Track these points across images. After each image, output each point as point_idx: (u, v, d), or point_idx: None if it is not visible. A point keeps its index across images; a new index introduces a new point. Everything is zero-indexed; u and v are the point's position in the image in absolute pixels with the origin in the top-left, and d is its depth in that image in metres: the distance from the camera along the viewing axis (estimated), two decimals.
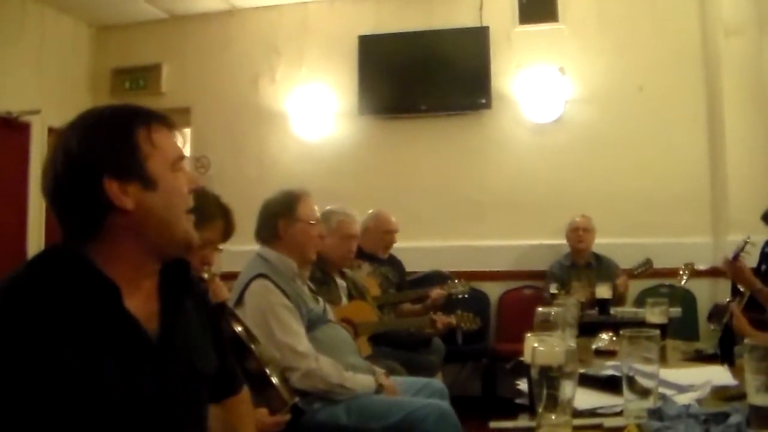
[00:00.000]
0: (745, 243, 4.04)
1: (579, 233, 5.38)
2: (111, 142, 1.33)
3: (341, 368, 2.88)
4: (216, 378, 1.53)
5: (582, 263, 5.39)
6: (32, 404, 1.17)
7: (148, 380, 1.31)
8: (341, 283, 3.96)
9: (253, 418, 1.85)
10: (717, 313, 3.51)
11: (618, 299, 4.81)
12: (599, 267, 5.33)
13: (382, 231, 4.86)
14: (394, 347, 4.19)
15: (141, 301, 1.36)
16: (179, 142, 1.46)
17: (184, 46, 6.68)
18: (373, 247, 4.81)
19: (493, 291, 5.87)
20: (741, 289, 3.86)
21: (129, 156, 1.33)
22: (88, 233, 1.33)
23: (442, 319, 4.31)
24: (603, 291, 4.45)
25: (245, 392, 1.72)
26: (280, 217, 3.09)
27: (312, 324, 2.96)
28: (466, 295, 4.68)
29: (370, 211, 4.89)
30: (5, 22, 5.81)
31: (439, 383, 3.33)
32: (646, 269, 4.89)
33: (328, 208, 4.04)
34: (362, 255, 4.69)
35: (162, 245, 1.39)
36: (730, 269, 3.99)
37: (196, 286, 1.58)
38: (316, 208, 3.17)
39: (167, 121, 1.43)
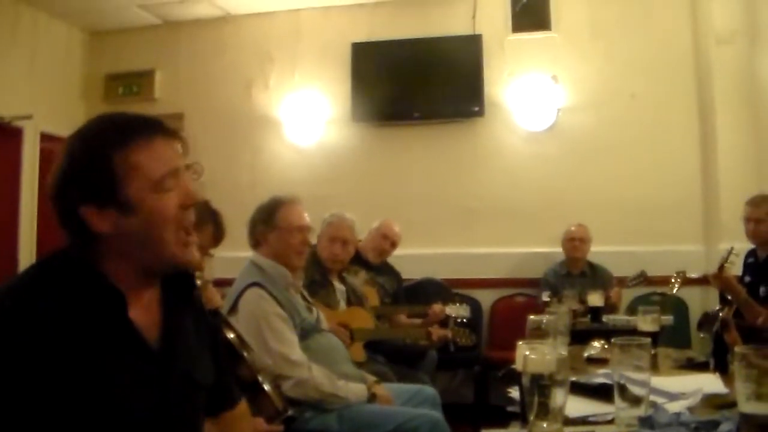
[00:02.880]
0: (729, 253, 4.07)
1: (575, 243, 5.40)
2: (84, 171, 1.30)
3: (334, 377, 2.88)
4: (212, 391, 1.53)
5: (576, 272, 5.41)
6: (35, 408, 1.17)
7: (148, 389, 1.31)
8: (340, 287, 3.97)
9: (250, 430, 1.83)
10: (707, 321, 3.53)
11: (610, 309, 4.81)
12: (593, 276, 5.35)
13: (380, 234, 4.88)
14: (388, 359, 4.19)
15: (142, 311, 1.37)
16: (177, 151, 1.39)
17: (177, 52, 6.67)
18: (368, 250, 4.82)
19: (486, 298, 5.87)
20: (729, 298, 3.89)
21: (103, 182, 1.29)
22: (87, 245, 1.33)
23: (437, 332, 4.32)
24: (595, 299, 4.46)
25: (242, 406, 1.70)
26: (259, 223, 3.11)
27: (305, 333, 2.96)
28: (465, 320, 4.67)
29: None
30: None
31: (431, 390, 3.32)
32: (640, 281, 4.90)
33: (329, 213, 4.07)
34: (359, 261, 4.70)
35: (148, 266, 1.36)
36: (715, 280, 4.02)
37: (198, 299, 1.58)
38: (304, 215, 3.14)
39: (161, 130, 1.38)
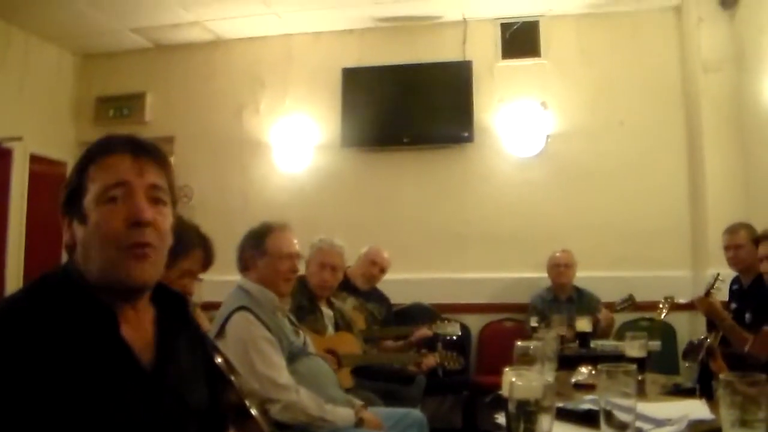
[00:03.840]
0: (716, 279, 4.10)
1: (560, 269, 5.40)
2: (69, 181, 1.37)
3: (321, 401, 2.87)
4: (205, 419, 1.52)
5: (563, 297, 5.41)
6: (24, 426, 1.17)
7: (139, 408, 1.30)
8: (327, 312, 3.96)
9: None
10: (692, 350, 3.54)
11: (601, 333, 4.82)
12: (580, 301, 5.36)
13: (369, 260, 4.89)
14: (376, 380, 4.17)
15: (136, 331, 1.37)
16: (131, 167, 1.36)
17: (168, 75, 6.70)
18: (356, 276, 4.82)
19: (474, 323, 5.87)
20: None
21: (75, 194, 1.35)
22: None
23: (427, 362, 4.30)
24: (583, 324, 4.45)
25: None
26: (248, 248, 3.11)
27: (293, 356, 2.95)
28: (454, 337, 4.67)
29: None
30: None
31: (418, 414, 3.31)
32: (628, 305, 4.91)
33: (318, 237, 4.07)
34: (348, 287, 4.70)
35: (101, 280, 1.33)
36: (701, 305, 4.04)
37: (193, 322, 1.59)
38: (294, 242, 3.15)
39: (119, 147, 1.37)
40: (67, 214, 1.36)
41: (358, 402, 3.10)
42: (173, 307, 1.47)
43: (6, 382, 1.17)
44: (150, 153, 1.40)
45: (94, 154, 1.37)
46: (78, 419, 1.20)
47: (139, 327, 1.39)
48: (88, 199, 1.33)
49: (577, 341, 4.43)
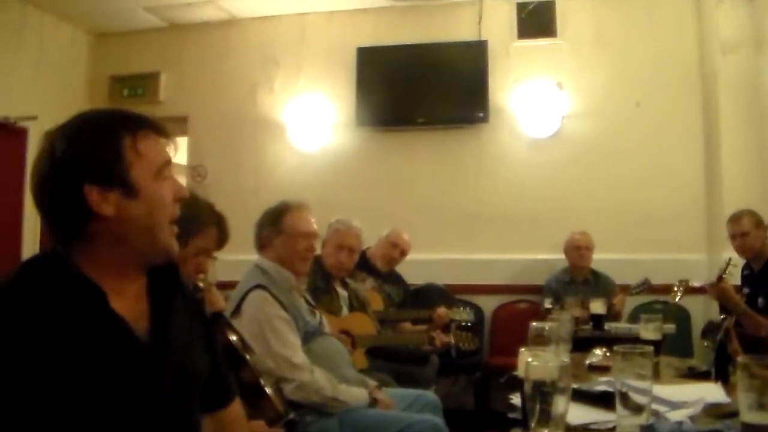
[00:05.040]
0: (728, 264, 4.07)
1: (581, 251, 5.37)
2: (94, 148, 1.33)
3: (335, 381, 2.88)
4: (207, 385, 1.53)
5: (580, 279, 5.40)
6: (24, 408, 1.18)
7: (139, 380, 1.31)
8: (342, 293, 3.96)
9: (247, 430, 1.83)
10: (711, 329, 3.52)
11: (614, 316, 4.81)
12: (596, 283, 5.34)
13: (389, 242, 4.89)
14: (390, 361, 4.18)
15: (130, 303, 1.37)
16: (170, 150, 1.44)
17: (182, 54, 6.69)
18: (376, 257, 4.83)
19: (488, 305, 5.87)
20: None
21: (111, 163, 1.33)
22: (73, 237, 1.34)
23: (440, 338, 4.31)
24: (597, 306, 4.45)
25: (238, 407, 1.70)
26: (265, 227, 3.11)
27: (308, 336, 2.96)
28: (469, 323, 4.67)
29: None
30: (4, 28, 5.82)
31: (432, 395, 3.32)
32: (644, 289, 4.89)
33: (335, 218, 4.06)
34: (367, 268, 4.70)
35: (143, 253, 1.39)
36: (714, 290, 4.02)
37: (186, 288, 1.58)
38: (311, 222, 3.14)
39: (157, 127, 1.42)
40: (99, 183, 1.31)
41: (372, 382, 3.11)
42: (164, 273, 1.46)
43: (4, 366, 1.17)
44: (170, 134, 1.46)
45: (130, 127, 1.37)
46: (79, 396, 1.21)
47: (133, 300, 1.39)
48: (140, 174, 1.35)
49: (591, 323, 4.43)
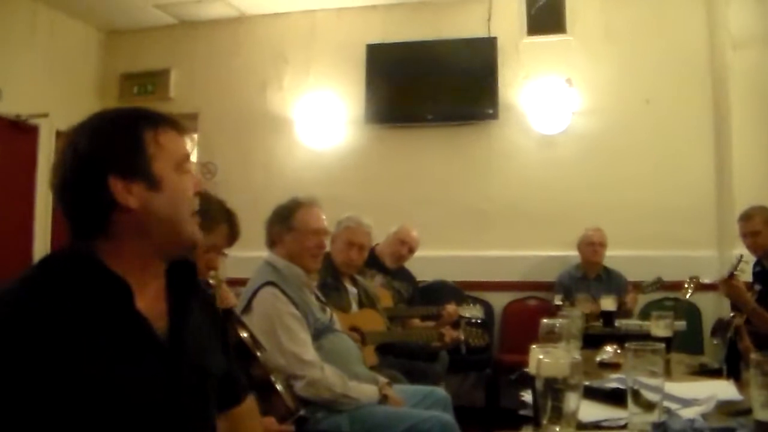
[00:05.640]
0: (739, 261, 4.05)
1: (595, 247, 5.36)
2: (118, 141, 1.35)
3: (346, 378, 2.88)
4: (221, 384, 1.53)
5: (592, 275, 5.39)
6: (43, 403, 1.18)
7: (158, 380, 1.32)
8: (352, 289, 3.95)
9: (260, 429, 1.83)
10: (720, 328, 3.51)
11: (625, 313, 4.79)
12: (608, 280, 5.33)
13: (398, 239, 4.88)
14: (400, 357, 4.18)
15: (150, 301, 1.37)
16: (188, 145, 1.46)
17: (192, 51, 6.70)
18: (384, 254, 4.83)
19: (498, 301, 5.86)
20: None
21: (135, 155, 1.34)
22: (95, 232, 1.34)
23: (450, 334, 4.30)
24: (608, 303, 4.44)
25: (251, 403, 1.71)
26: (276, 223, 3.12)
27: (318, 333, 2.96)
28: (479, 320, 4.67)
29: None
30: (16, 25, 5.85)
31: (442, 392, 3.32)
32: (657, 287, 4.88)
33: (345, 214, 4.06)
34: (376, 265, 4.70)
35: (166, 245, 1.40)
36: (725, 287, 4.00)
37: (202, 288, 1.59)
38: (322, 218, 3.15)
39: (175, 123, 1.44)
40: (123, 175, 1.33)
41: (382, 379, 3.11)
42: (182, 273, 1.47)
43: (23, 359, 1.18)
44: (187, 131, 1.49)
45: (151, 121, 1.39)
46: (96, 392, 1.21)
47: (153, 298, 1.40)
48: (162, 166, 1.37)
49: (601, 320, 4.42)
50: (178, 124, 1.45)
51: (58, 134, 6.06)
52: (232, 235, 2.48)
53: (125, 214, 1.33)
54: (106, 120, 1.40)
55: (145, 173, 1.35)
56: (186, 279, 1.47)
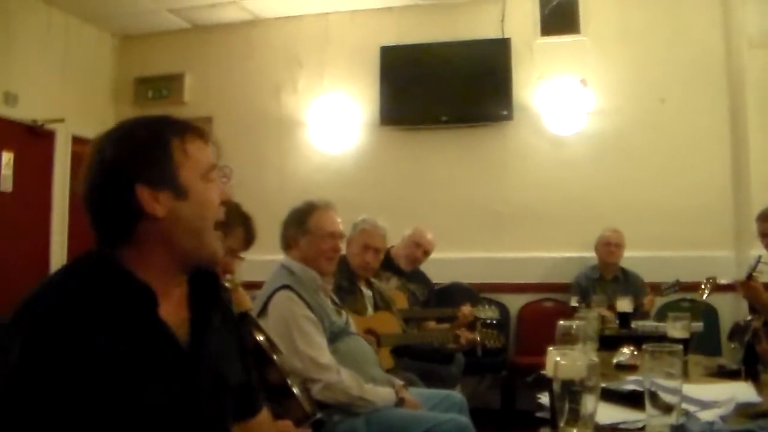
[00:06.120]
0: (758, 262, 4.01)
1: (611, 248, 5.34)
2: (145, 150, 1.35)
3: (362, 381, 2.88)
4: (239, 394, 1.54)
5: (609, 277, 5.36)
6: (64, 406, 1.19)
7: (177, 386, 1.32)
8: (367, 292, 3.95)
9: None
10: (738, 331, 3.48)
11: (641, 315, 4.76)
12: (626, 281, 5.30)
13: (413, 242, 4.88)
14: (416, 360, 4.18)
15: (172, 309, 1.38)
16: (212, 153, 1.46)
17: (206, 55, 6.73)
18: (399, 256, 4.82)
19: (513, 303, 5.85)
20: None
21: (162, 164, 1.35)
22: (121, 239, 1.35)
23: (466, 335, 4.29)
24: (624, 304, 4.41)
25: (265, 414, 1.71)
26: (291, 226, 3.12)
27: (334, 336, 2.96)
28: (494, 321, 4.65)
29: None
30: (31, 31, 5.89)
31: (458, 396, 3.31)
32: (675, 290, 4.85)
33: (361, 217, 4.06)
34: (391, 267, 4.69)
35: (189, 254, 1.40)
36: (743, 289, 3.97)
37: (224, 298, 1.60)
38: (337, 222, 3.15)
39: (201, 132, 1.44)
40: (150, 184, 1.33)
41: (399, 382, 3.10)
42: (205, 283, 1.48)
43: (46, 363, 1.18)
44: (212, 139, 1.49)
45: (178, 130, 1.40)
46: (116, 398, 1.22)
47: (176, 305, 1.40)
48: (188, 175, 1.37)
49: (617, 321, 4.39)
50: (204, 133, 1.45)
51: (74, 139, 6.10)
52: (249, 238, 2.49)
53: (151, 222, 1.34)
54: (133, 128, 1.39)
55: (172, 182, 1.35)
56: (208, 288, 1.48)
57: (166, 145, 1.36)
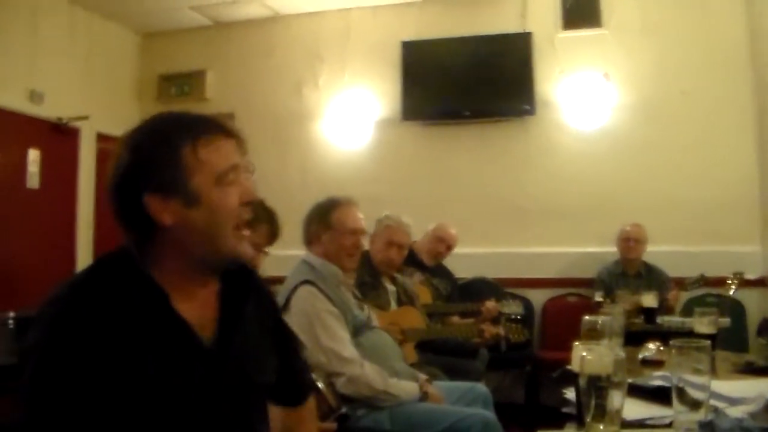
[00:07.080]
0: None
1: (629, 243, 5.29)
2: (154, 158, 1.34)
3: (386, 375, 2.88)
4: (282, 383, 1.54)
5: (632, 272, 5.31)
6: (83, 405, 1.20)
7: (198, 384, 1.32)
8: (390, 287, 3.96)
9: (315, 429, 1.84)
10: (767, 327, 3.44)
11: (667, 310, 4.72)
12: (649, 277, 5.25)
13: (436, 237, 4.89)
14: (440, 354, 4.17)
15: (197, 307, 1.38)
16: (237, 150, 1.43)
17: (228, 52, 6.76)
18: (422, 252, 4.82)
19: (538, 298, 5.83)
20: None
21: (172, 172, 1.33)
22: (143, 241, 1.36)
23: (490, 330, 4.28)
24: (649, 300, 4.37)
25: (311, 405, 1.71)
26: (314, 222, 3.12)
27: (357, 330, 2.96)
28: (518, 317, 4.64)
29: None
30: (55, 30, 5.94)
31: (483, 388, 3.29)
32: (700, 284, 4.80)
33: (385, 213, 4.06)
34: (414, 262, 4.69)
35: (205, 260, 1.39)
36: None
37: (262, 290, 1.59)
38: (359, 218, 3.14)
39: (220, 128, 1.41)
40: (159, 192, 1.32)
41: (422, 376, 3.10)
42: (239, 279, 1.47)
43: (67, 363, 1.20)
44: (236, 133, 1.46)
45: (191, 134, 1.36)
46: (136, 395, 1.24)
47: (200, 303, 1.40)
48: (201, 181, 1.35)
49: (642, 317, 4.36)
50: (224, 128, 1.42)
51: (99, 136, 6.16)
52: (273, 233, 2.50)
53: (163, 229, 1.34)
54: (147, 133, 1.38)
55: (182, 189, 1.33)
56: (242, 285, 1.47)
57: (176, 153, 1.34)
